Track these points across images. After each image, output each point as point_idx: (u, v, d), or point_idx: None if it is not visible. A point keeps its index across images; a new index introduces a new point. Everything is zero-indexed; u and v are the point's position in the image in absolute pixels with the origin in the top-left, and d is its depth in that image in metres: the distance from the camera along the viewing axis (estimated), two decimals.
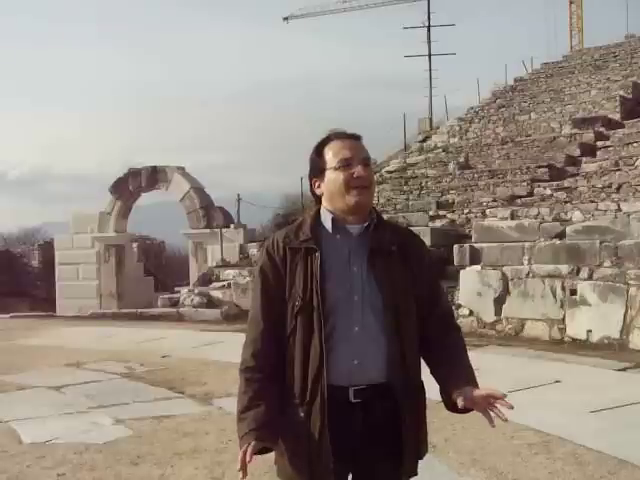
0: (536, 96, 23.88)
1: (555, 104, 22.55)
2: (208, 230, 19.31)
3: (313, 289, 2.26)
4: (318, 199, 2.43)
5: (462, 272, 10.90)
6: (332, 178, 2.35)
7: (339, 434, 2.24)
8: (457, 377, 2.33)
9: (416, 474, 2.37)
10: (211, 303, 15.00)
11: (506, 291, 10.30)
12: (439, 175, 19.43)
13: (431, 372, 2.42)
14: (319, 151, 2.40)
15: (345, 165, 2.33)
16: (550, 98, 23.25)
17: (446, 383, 2.34)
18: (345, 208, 2.34)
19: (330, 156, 2.36)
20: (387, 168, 22.05)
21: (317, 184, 2.41)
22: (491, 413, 2.29)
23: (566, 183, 15.33)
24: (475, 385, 2.32)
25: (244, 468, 2.22)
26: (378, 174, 20.48)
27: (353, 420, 2.27)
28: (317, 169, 2.40)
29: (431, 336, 2.39)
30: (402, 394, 2.28)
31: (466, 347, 2.45)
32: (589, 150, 17.70)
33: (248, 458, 2.21)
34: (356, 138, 2.40)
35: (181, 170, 20.67)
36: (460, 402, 2.25)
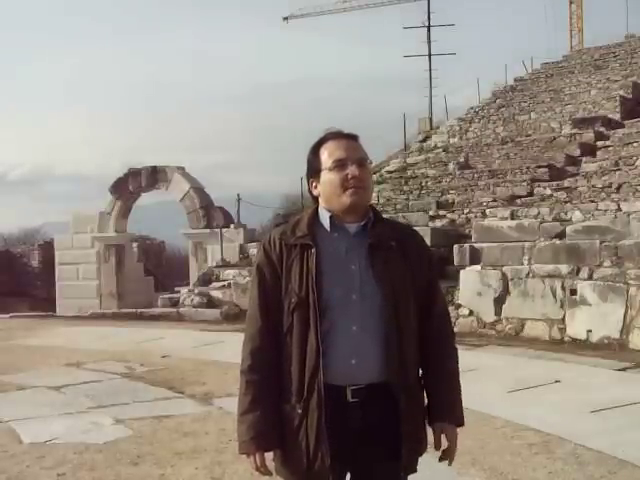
0: (536, 96, 23.86)
1: (555, 104, 22.54)
2: (208, 230, 19.31)
3: (309, 285, 2.26)
4: (315, 199, 2.43)
5: (462, 272, 10.90)
6: (327, 179, 2.35)
7: (337, 433, 2.24)
8: (440, 407, 2.40)
9: (415, 471, 2.37)
10: (211, 303, 14.98)
11: (506, 291, 10.29)
12: (439, 175, 19.42)
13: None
14: (315, 151, 2.40)
15: (339, 166, 2.33)
16: (550, 98, 23.23)
17: (430, 408, 2.41)
18: (341, 208, 2.34)
19: (325, 157, 2.36)
20: (387, 168, 22.04)
21: (314, 184, 2.42)
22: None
23: (566, 183, 15.32)
24: (453, 420, 2.41)
25: (266, 474, 2.36)
26: (378, 174, 20.48)
27: (351, 419, 2.27)
28: (313, 170, 2.41)
29: (425, 350, 2.40)
30: (401, 392, 2.28)
31: (458, 364, 2.48)
32: (589, 150, 17.70)
33: (265, 470, 2.33)
34: (352, 138, 2.40)
35: (181, 170, 20.67)
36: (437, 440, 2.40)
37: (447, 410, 2.40)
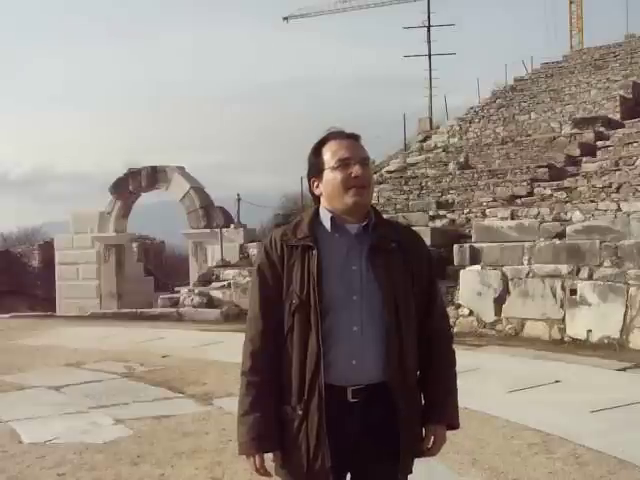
0: (536, 96, 23.86)
1: (555, 104, 22.54)
2: (208, 230, 19.32)
3: (310, 287, 2.26)
4: (317, 199, 2.43)
5: (462, 272, 10.90)
6: (330, 178, 2.35)
7: (337, 433, 2.24)
8: (432, 408, 2.40)
9: (411, 472, 2.38)
10: (211, 303, 14.98)
11: (506, 291, 10.29)
12: (439, 175, 19.41)
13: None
14: (317, 151, 2.40)
15: (343, 165, 2.33)
16: (550, 98, 23.23)
17: (424, 410, 2.41)
18: (343, 208, 2.34)
19: (328, 156, 2.36)
20: (387, 168, 22.04)
21: (316, 184, 2.41)
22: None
23: (566, 183, 15.31)
24: (444, 420, 2.40)
25: (266, 475, 2.36)
26: (378, 174, 20.47)
27: (351, 420, 2.27)
28: (315, 169, 2.40)
29: (423, 350, 2.40)
30: (400, 393, 2.28)
31: (454, 366, 2.49)
32: (589, 150, 17.69)
33: (265, 472, 2.34)
34: (354, 138, 2.40)
35: (181, 170, 20.67)
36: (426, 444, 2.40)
37: (438, 411, 2.40)
